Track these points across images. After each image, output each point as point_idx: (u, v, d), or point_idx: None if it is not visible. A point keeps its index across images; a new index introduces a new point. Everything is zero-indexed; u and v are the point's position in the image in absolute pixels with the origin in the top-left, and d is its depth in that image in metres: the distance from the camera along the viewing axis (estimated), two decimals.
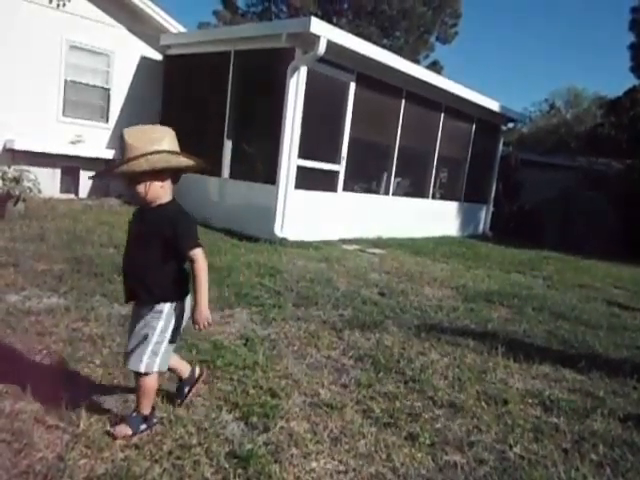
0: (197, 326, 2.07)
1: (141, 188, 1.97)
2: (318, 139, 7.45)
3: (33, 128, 7.65)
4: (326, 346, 3.33)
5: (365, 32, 18.28)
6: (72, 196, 8.23)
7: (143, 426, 2.07)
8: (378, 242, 8.01)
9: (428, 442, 2.29)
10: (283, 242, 6.65)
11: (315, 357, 3.14)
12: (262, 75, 7.49)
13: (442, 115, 9.81)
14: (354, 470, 2.03)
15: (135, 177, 1.95)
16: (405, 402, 2.65)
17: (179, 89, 8.69)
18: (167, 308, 2.05)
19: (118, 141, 1.95)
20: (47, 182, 7.57)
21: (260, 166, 7.57)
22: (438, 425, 2.46)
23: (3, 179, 6.50)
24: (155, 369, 2.07)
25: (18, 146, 7.35)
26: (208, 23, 22.60)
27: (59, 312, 3.29)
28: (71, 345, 2.85)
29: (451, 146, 10.48)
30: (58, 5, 7.64)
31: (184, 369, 2.37)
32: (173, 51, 8.68)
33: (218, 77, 7.87)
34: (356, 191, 8.33)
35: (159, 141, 1.93)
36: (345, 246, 7.29)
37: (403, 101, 8.75)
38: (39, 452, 1.88)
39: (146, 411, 2.09)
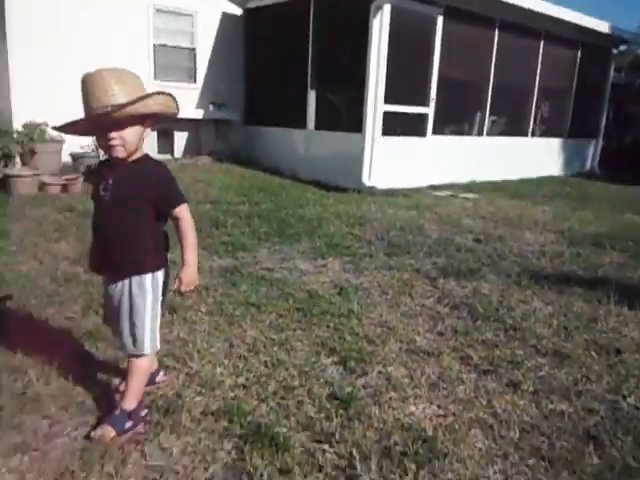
0: (182, 287, 1.80)
1: (132, 135, 1.68)
2: (405, 81, 7.14)
3: None
4: (420, 295, 3.29)
5: None
6: (168, 156, 8.66)
7: (128, 424, 1.79)
8: (471, 186, 7.66)
9: (531, 390, 2.21)
10: (371, 191, 6.58)
11: (409, 305, 3.12)
12: (343, 19, 7.24)
13: (542, 43, 8.95)
14: (454, 414, 2.03)
15: (125, 122, 1.65)
16: (505, 350, 2.57)
17: (261, 42, 8.68)
18: (151, 279, 1.79)
19: (88, 84, 1.61)
20: (145, 144, 8.01)
21: (345, 115, 7.44)
22: (542, 373, 2.36)
23: None
24: (158, 346, 1.87)
25: None
26: None
27: None
28: (179, 295, 3.06)
29: (553, 77, 9.59)
30: None
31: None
32: (253, 4, 8.63)
33: (298, 26, 7.74)
34: (446, 134, 7.95)
35: (139, 84, 1.69)
36: (436, 192, 7.06)
37: (497, 32, 8.08)
38: (160, 390, 2.07)
39: (132, 405, 1.82)
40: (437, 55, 7.31)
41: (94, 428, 1.81)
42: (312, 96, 7.73)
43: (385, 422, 1.94)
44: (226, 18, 8.85)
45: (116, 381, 2.14)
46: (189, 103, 8.67)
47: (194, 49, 8.75)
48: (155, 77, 8.38)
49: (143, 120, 1.71)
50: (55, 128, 1.79)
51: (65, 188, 6.03)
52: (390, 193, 6.56)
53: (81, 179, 6.26)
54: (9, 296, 2.94)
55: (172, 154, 8.75)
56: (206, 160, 8.43)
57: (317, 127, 7.73)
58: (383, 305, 3.10)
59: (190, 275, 1.81)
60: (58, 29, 7.11)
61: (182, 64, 8.74)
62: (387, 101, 6.76)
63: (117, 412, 1.82)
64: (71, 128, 1.74)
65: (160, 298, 1.86)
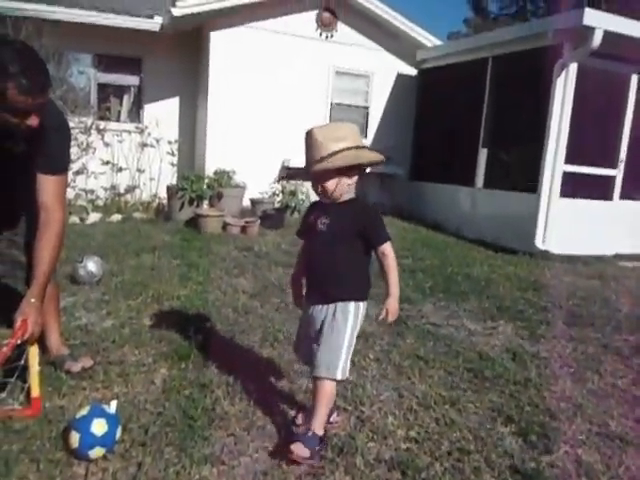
0: (388, 317, 1.93)
1: (331, 185, 1.91)
2: (589, 141, 6.65)
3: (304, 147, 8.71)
4: (610, 373, 2.91)
5: None
6: None
7: (318, 447, 1.89)
8: None
9: None
10: (545, 255, 6.11)
11: (597, 384, 2.77)
12: (523, 78, 7.07)
13: None
14: None
15: (325, 175, 1.90)
16: None
17: (433, 101, 8.84)
18: (354, 307, 1.94)
19: (305, 140, 1.92)
20: (314, 194, 8.53)
21: (518, 174, 7.14)
22: None
23: (283, 193, 7.61)
24: (347, 374, 1.95)
25: (293, 164, 8.44)
26: (458, 32, 22.64)
27: None
28: (383, 325, 3.06)
29: None
30: (327, 37, 8.66)
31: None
32: (428, 65, 8.90)
33: (474, 85, 7.75)
34: (637, 199, 7.12)
35: (345, 138, 1.89)
36: (623, 262, 6.30)
37: None
38: (333, 429, 2.10)
39: (321, 431, 1.92)
40: (629, 114, 6.71)
41: (274, 450, 1.92)
42: (483, 154, 7.58)
43: None
44: (400, 78, 9.23)
45: (292, 412, 2.22)
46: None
47: (367, 107, 9.23)
48: None
49: (343, 172, 1.90)
50: (287, 174, 2.10)
51: (244, 229, 6.66)
52: (567, 259, 6.03)
53: (258, 222, 6.87)
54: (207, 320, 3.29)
55: None
56: None
57: (486, 185, 7.52)
58: (566, 379, 2.79)
59: (395, 306, 1.94)
60: (246, 90, 8.06)
61: (355, 120, 9.16)
62: (567, 161, 6.35)
63: (309, 433, 1.89)
64: (297, 176, 2.10)
65: (358, 328, 1.97)
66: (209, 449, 1.91)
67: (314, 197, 2.08)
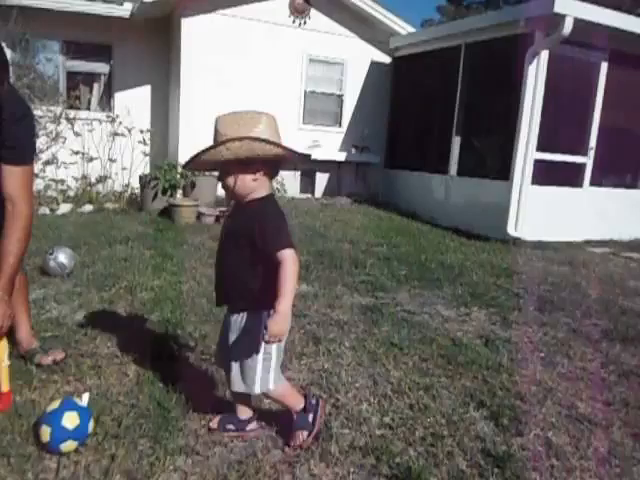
0: (266, 337, 1.61)
1: (230, 180, 1.70)
2: (560, 129, 6.77)
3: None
4: (579, 357, 2.98)
5: (614, 3, 15.91)
6: (309, 195, 9.08)
7: (310, 416, 1.88)
8: (636, 245, 6.87)
9: None
10: (517, 242, 6.23)
11: (567, 367, 2.84)
12: (496, 65, 7.13)
13: None
14: None
15: (224, 168, 1.71)
16: None
17: (407, 89, 8.86)
18: (265, 316, 1.69)
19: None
20: (290, 183, 8.52)
21: (491, 162, 7.21)
22: None
23: None
24: (271, 385, 1.80)
25: None
26: (431, 19, 22.71)
27: (310, 298, 3.66)
28: (322, 327, 3.14)
29: None
30: (300, 24, 8.57)
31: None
32: (402, 52, 8.89)
33: (447, 72, 7.79)
34: (607, 185, 7.28)
35: (251, 126, 1.62)
36: (592, 248, 6.45)
37: None
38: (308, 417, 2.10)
39: (300, 405, 1.90)
40: (599, 102, 6.84)
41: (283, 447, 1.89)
42: (456, 142, 7.65)
43: None
44: (374, 66, 9.20)
45: (266, 401, 2.21)
46: (333, 146, 9.08)
47: (342, 95, 9.18)
48: (304, 121, 8.91)
49: (243, 166, 1.68)
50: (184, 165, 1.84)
51: (218, 219, 6.58)
52: (539, 246, 6.15)
53: None
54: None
55: (313, 194, 9.16)
56: (344, 201, 8.68)
57: (460, 173, 7.59)
58: (536, 363, 2.86)
59: (277, 325, 1.60)
60: (218, 77, 7.91)
61: (329, 109, 9.18)
62: (539, 149, 6.45)
63: (294, 417, 1.89)
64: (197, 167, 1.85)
65: None
66: (184, 440, 1.90)
67: (289, 186, 2.01)
